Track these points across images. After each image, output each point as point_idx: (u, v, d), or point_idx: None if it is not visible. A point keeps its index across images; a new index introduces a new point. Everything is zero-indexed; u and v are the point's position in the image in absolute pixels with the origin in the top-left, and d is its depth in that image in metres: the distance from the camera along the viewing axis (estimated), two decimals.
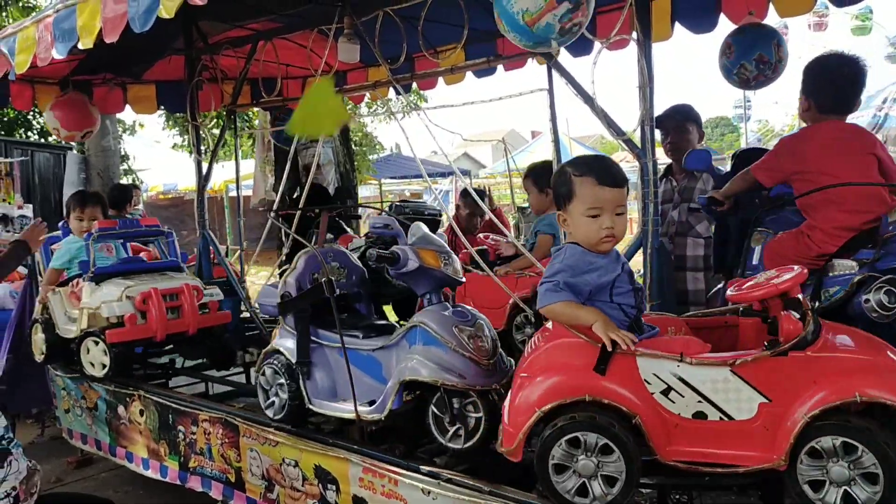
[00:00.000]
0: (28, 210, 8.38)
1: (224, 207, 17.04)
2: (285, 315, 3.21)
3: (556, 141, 3.43)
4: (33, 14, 3.97)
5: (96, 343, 4.06)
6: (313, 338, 3.14)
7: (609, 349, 2.12)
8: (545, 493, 2.27)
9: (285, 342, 3.18)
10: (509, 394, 2.35)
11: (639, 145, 3.09)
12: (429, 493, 2.67)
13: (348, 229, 5.26)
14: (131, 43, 3.35)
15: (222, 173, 15.23)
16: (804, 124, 3.21)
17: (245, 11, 4.42)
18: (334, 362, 3.09)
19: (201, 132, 5.28)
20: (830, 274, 2.81)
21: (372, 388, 2.94)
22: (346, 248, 4.89)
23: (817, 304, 2.73)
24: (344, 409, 2.94)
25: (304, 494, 3.17)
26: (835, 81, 3.02)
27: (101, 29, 3.09)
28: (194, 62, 4.94)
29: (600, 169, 2.30)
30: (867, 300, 2.58)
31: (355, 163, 9.34)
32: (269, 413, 3.24)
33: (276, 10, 4.32)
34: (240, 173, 5.89)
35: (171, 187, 19.00)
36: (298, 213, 4.74)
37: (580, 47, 4.47)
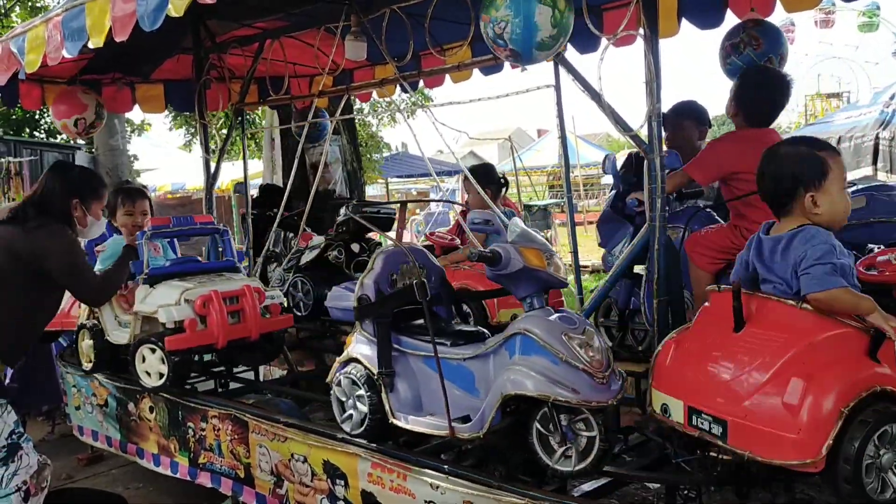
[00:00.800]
0: None
1: (232, 206, 17.09)
2: (362, 320, 2.99)
3: (563, 137, 3.44)
4: (41, 14, 4.00)
5: (153, 351, 3.78)
6: (395, 345, 2.91)
7: (893, 338, 2.08)
8: (847, 498, 2.08)
9: (363, 350, 2.95)
10: (769, 401, 2.11)
11: (646, 141, 3.10)
12: (437, 487, 2.68)
13: (307, 228, 5.17)
14: (140, 42, 3.38)
15: (230, 172, 15.30)
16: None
17: (253, 10, 4.44)
18: (419, 372, 2.86)
19: (209, 131, 5.31)
20: None
21: (463, 401, 2.70)
22: (306, 247, 5.04)
23: None
24: (435, 426, 2.71)
25: (312, 490, 3.19)
26: (765, 95, 3.45)
27: (111, 28, 3.11)
28: (202, 61, 4.97)
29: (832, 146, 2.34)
30: None
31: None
32: (347, 427, 3.02)
33: (283, 9, 4.35)
34: (248, 172, 5.91)
35: (180, 187, 19.06)
36: (281, 211, 4.85)
37: (587, 44, 4.47)
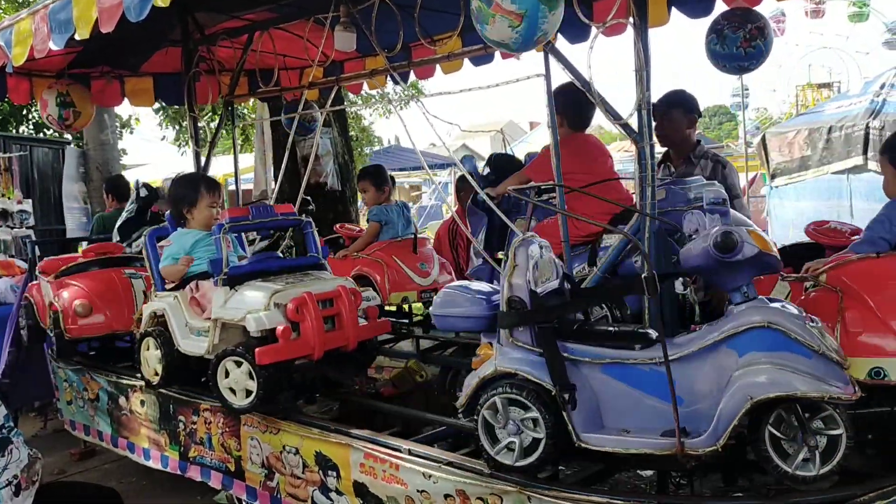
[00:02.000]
0: (27, 205, 8.38)
1: (224, 201, 17.03)
2: (514, 328, 2.53)
3: (554, 127, 3.42)
4: (29, 6, 3.97)
5: (238, 364, 3.23)
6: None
7: None
8: None
9: (520, 363, 2.47)
10: None
11: (635, 130, 3.09)
12: (430, 476, 2.68)
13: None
14: (128, 34, 3.36)
15: (221, 167, 15.24)
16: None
17: (241, 1, 4.42)
18: (598, 384, 2.45)
19: (199, 124, 5.28)
20: (602, 245, 3.62)
21: (660, 411, 2.35)
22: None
23: (594, 268, 3.49)
24: (652, 444, 2.31)
25: (304, 481, 3.19)
26: (582, 102, 3.69)
27: (97, 19, 3.09)
28: (191, 53, 4.93)
29: None
30: (636, 261, 3.39)
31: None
32: (507, 460, 2.49)
33: (272, 0, 4.32)
34: (238, 166, 5.89)
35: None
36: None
37: (577, 34, 4.47)
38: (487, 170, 4.61)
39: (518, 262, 2.52)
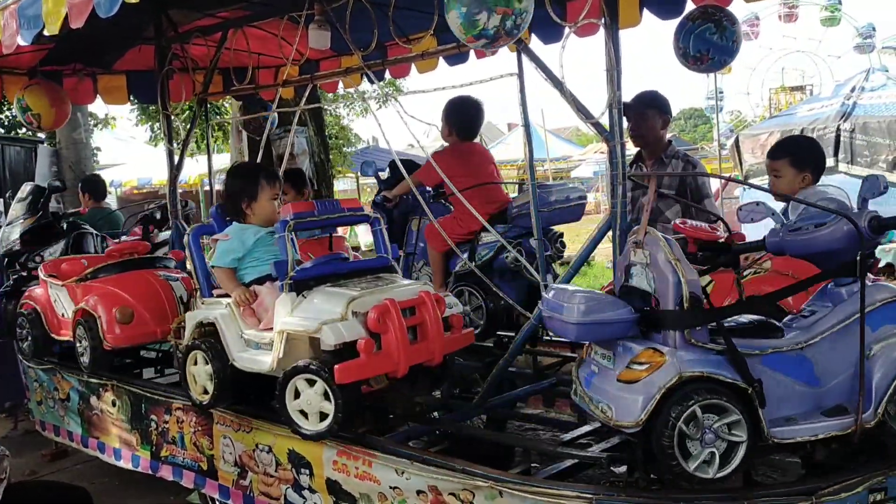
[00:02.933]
0: None
1: (200, 202, 16.91)
2: (693, 328, 2.32)
3: (527, 125, 3.45)
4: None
5: (311, 383, 2.81)
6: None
7: None
8: None
9: (705, 365, 2.26)
10: None
11: (607, 129, 3.12)
12: (402, 472, 2.70)
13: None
14: (99, 31, 3.33)
15: (197, 167, 15.13)
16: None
17: None
18: (762, 375, 2.32)
19: (173, 122, 5.25)
20: (480, 242, 4.20)
21: (805, 395, 2.37)
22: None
23: (474, 263, 4.01)
24: (835, 425, 2.30)
25: (277, 480, 3.18)
26: (468, 117, 4.41)
27: (67, 15, 3.06)
28: (164, 51, 4.90)
29: None
30: (506, 256, 3.94)
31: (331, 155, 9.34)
32: (708, 473, 2.25)
33: None
34: (212, 165, 5.85)
35: (146, 182, 18.80)
36: None
37: (550, 34, 4.49)
38: (388, 174, 5.00)
39: (679, 256, 2.35)
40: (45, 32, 3.23)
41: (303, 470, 3.05)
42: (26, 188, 5.35)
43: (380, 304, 2.80)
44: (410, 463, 2.69)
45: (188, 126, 5.32)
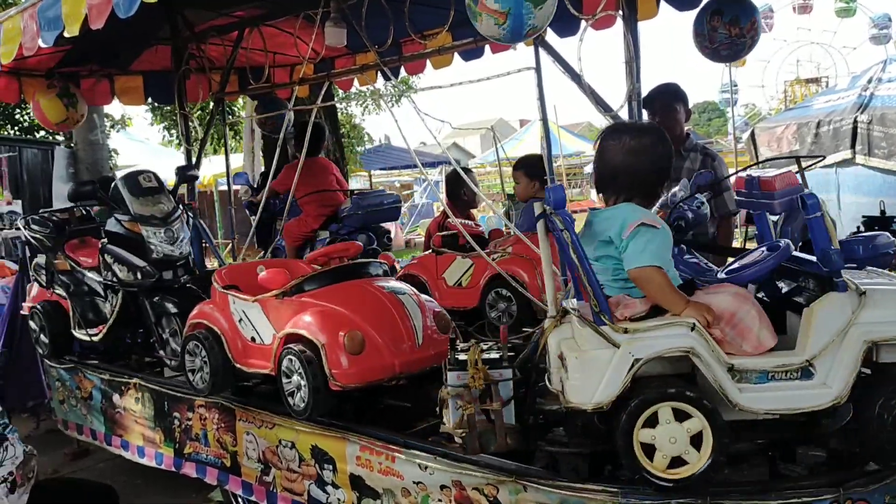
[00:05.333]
0: (17, 206, 8.36)
1: (214, 202, 16.99)
2: None
3: (545, 120, 3.44)
4: (18, 4, 3.96)
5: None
6: None
7: None
8: None
9: None
10: None
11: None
12: (426, 468, 2.70)
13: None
14: (117, 32, 3.35)
15: (211, 168, 15.20)
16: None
17: None
18: None
19: (190, 122, 5.28)
20: (318, 239, 5.37)
21: None
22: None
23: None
24: None
25: (300, 475, 3.19)
26: (313, 137, 4.88)
27: (87, 16, 3.09)
28: (181, 51, 4.93)
29: None
30: None
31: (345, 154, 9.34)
32: None
33: None
34: (230, 163, 5.88)
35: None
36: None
37: (566, 28, 4.48)
38: (258, 182, 6.02)
39: None
40: (66, 34, 3.26)
41: (326, 465, 3.06)
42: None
43: None
44: (434, 458, 2.69)
45: (204, 126, 5.36)
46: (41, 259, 4.67)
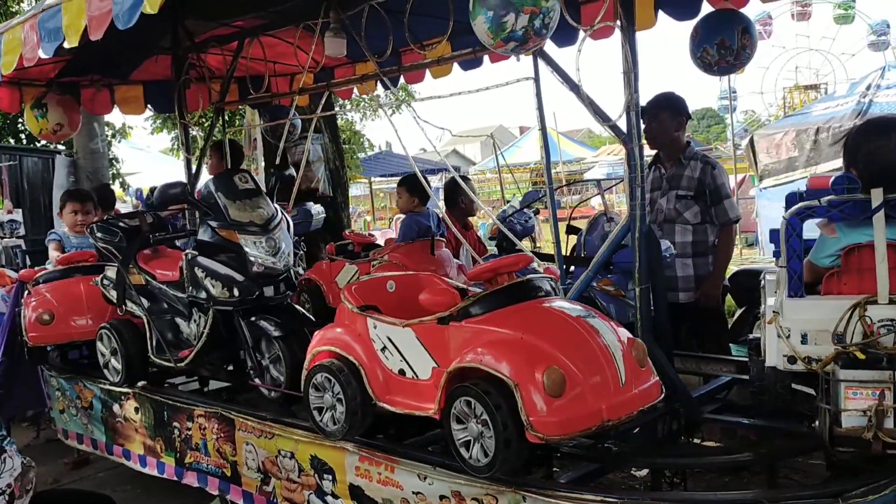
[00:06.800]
0: (18, 215, 8.36)
1: None
2: None
3: (544, 129, 3.45)
4: (18, 15, 3.98)
5: None
6: None
7: None
8: None
9: None
10: None
11: (624, 132, 3.12)
12: (425, 478, 2.70)
13: None
14: (117, 42, 3.37)
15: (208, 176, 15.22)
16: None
17: (230, 9, 4.43)
18: None
19: (190, 131, 5.29)
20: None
21: None
22: None
23: None
24: None
25: (300, 486, 3.19)
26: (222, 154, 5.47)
27: (87, 27, 3.10)
28: (181, 61, 4.95)
29: None
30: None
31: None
32: None
33: (261, 7, 4.33)
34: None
35: None
36: None
37: (565, 37, 4.49)
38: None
39: None
40: (66, 45, 3.27)
41: (325, 476, 3.06)
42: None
43: None
44: (433, 468, 2.69)
45: (205, 135, 5.37)
46: (110, 272, 4.18)
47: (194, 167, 5.24)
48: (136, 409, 4.06)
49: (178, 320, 3.95)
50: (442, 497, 2.67)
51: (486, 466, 2.42)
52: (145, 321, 3.94)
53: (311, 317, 3.87)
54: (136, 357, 3.98)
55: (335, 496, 3.04)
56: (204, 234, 3.61)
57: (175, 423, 3.82)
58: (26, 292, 4.77)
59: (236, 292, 3.48)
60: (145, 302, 3.95)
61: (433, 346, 2.62)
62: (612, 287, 3.75)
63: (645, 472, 2.67)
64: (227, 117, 5.53)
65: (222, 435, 3.55)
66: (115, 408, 4.21)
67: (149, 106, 6.12)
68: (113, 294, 4.12)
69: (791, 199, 2.67)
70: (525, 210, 4.99)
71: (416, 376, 2.67)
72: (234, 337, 3.65)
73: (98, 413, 4.35)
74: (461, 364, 2.45)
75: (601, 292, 3.73)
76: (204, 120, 9.30)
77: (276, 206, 3.73)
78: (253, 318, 3.53)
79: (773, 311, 2.53)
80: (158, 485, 4.19)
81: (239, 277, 3.48)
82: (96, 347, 4.20)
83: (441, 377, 2.52)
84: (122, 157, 15.03)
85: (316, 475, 3.10)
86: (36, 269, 5.01)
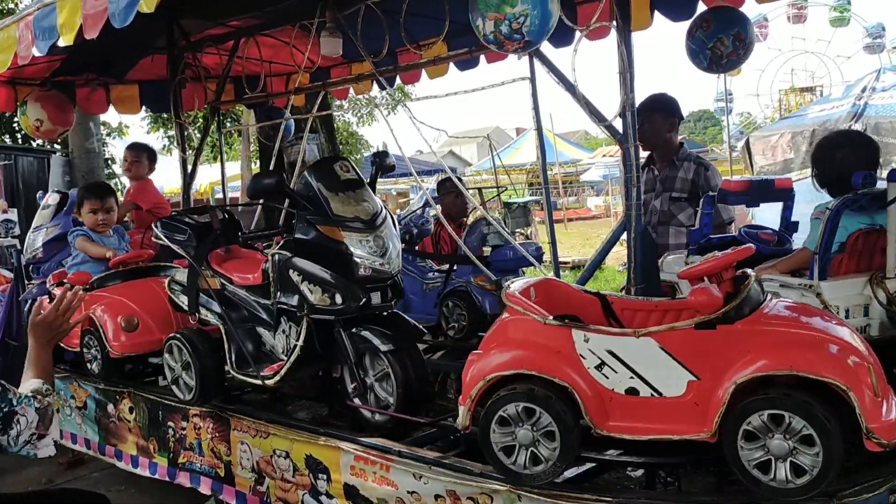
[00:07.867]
0: (13, 214, 8.35)
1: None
2: None
3: (539, 130, 3.46)
4: (14, 14, 3.97)
5: None
6: None
7: None
8: None
9: None
10: None
11: (620, 132, 3.13)
12: (420, 477, 2.69)
13: None
14: (113, 41, 3.37)
15: (208, 175, 15.21)
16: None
17: (226, 8, 4.43)
18: None
19: (185, 131, 5.29)
20: None
21: None
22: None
23: None
24: None
25: (294, 485, 3.18)
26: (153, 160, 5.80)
27: (82, 25, 3.10)
28: (177, 60, 4.95)
29: None
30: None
31: None
32: None
33: (257, 7, 4.34)
34: (225, 173, 5.90)
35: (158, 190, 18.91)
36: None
37: (561, 38, 4.49)
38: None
39: None
40: (60, 43, 3.27)
41: (320, 475, 3.06)
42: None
43: None
44: (428, 467, 2.69)
45: (200, 134, 5.36)
46: (179, 275, 3.75)
47: (190, 166, 5.24)
48: (131, 409, 4.05)
49: (261, 330, 3.45)
50: (437, 496, 2.66)
51: (802, 488, 2.06)
52: (223, 331, 3.47)
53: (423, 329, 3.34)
54: (212, 371, 3.52)
55: (330, 496, 3.03)
56: (300, 232, 3.09)
57: (170, 423, 3.81)
58: (88, 296, 4.10)
59: (339, 299, 2.98)
60: (224, 309, 3.44)
61: (688, 356, 2.21)
62: (487, 282, 4.21)
63: (640, 472, 2.66)
64: (220, 117, 5.49)
65: (217, 434, 3.54)
66: (110, 408, 4.20)
67: (144, 106, 6.12)
68: (183, 300, 3.69)
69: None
70: (423, 214, 5.06)
71: (659, 394, 2.24)
72: (329, 350, 3.17)
73: (92, 413, 4.34)
74: (760, 373, 2.06)
75: (477, 287, 4.27)
76: (199, 120, 9.31)
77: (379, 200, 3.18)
78: (355, 329, 3.06)
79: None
80: (152, 485, 4.18)
81: (344, 282, 2.99)
82: (163, 360, 3.71)
83: (704, 391, 2.15)
84: (118, 157, 15.00)
85: (311, 475, 3.10)
86: (64, 270, 4.64)
